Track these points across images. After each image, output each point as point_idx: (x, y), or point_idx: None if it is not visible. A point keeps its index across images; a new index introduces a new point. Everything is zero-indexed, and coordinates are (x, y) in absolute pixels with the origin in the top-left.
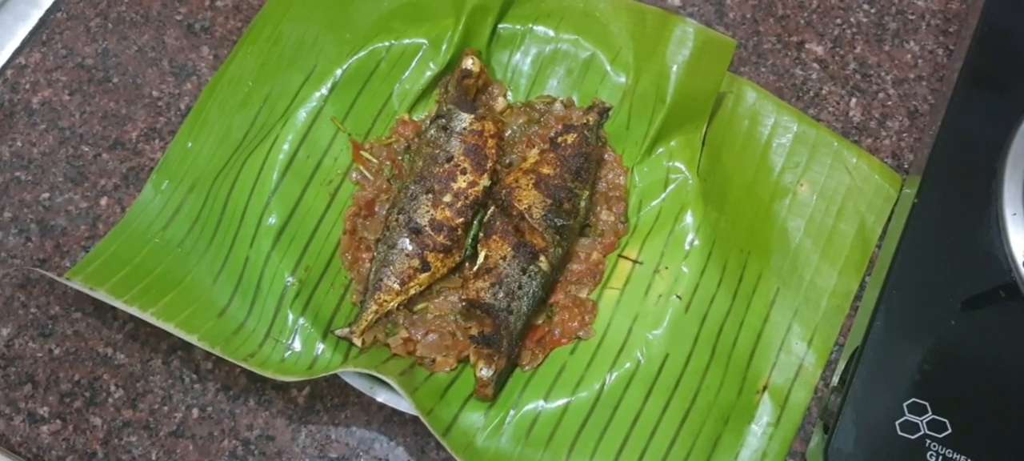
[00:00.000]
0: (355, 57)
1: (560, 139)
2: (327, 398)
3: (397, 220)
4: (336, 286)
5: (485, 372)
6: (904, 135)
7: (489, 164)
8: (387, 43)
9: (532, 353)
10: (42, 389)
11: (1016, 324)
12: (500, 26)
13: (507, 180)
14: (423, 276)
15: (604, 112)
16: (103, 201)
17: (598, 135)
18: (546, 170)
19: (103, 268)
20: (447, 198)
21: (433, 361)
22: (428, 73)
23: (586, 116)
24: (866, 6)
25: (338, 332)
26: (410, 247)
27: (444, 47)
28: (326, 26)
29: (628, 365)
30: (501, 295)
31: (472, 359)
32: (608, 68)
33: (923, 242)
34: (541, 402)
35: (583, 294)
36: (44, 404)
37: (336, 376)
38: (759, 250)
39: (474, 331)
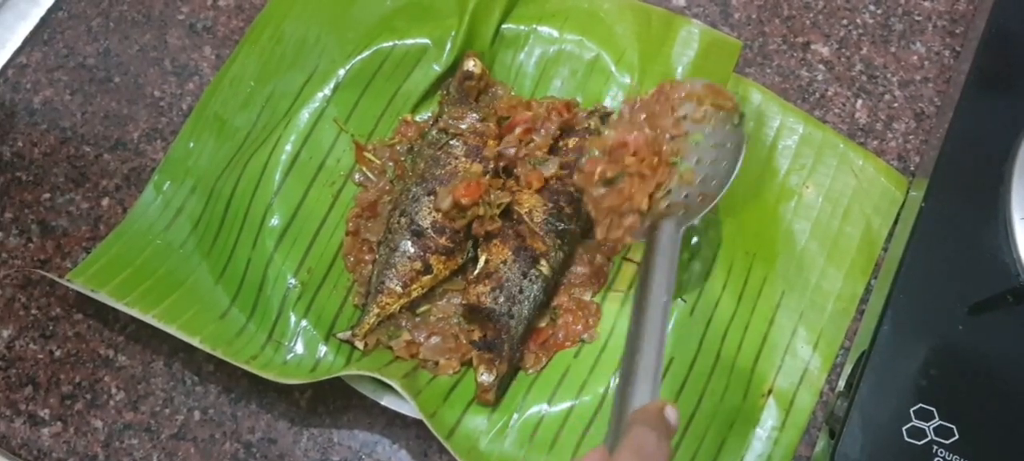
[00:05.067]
0: (358, 57)
1: (562, 143)
2: (330, 401)
3: (399, 222)
4: (339, 288)
5: (486, 377)
6: (910, 137)
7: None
8: (390, 43)
9: (536, 356)
10: (43, 391)
11: None
12: (504, 26)
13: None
14: (425, 278)
15: (606, 116)
16: (104, 202)
17: None
18: None
19: (104, 269)
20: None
21: (436, 364)
22: (432, 73)
23: (588, 120)
24: (872, 7)
25: (340, 335)
26: (412, 249)
27: (448, 47)
28: (328, 26)
29: None
30: (502, 300)
31: (474, 364)
32: (613, 69)
33: (930, 246)
34: (545, 405)
35: (587, 297)
36: (45, 406)
37: (339, 379)
38: (764, 253)
39: (475, 335)
